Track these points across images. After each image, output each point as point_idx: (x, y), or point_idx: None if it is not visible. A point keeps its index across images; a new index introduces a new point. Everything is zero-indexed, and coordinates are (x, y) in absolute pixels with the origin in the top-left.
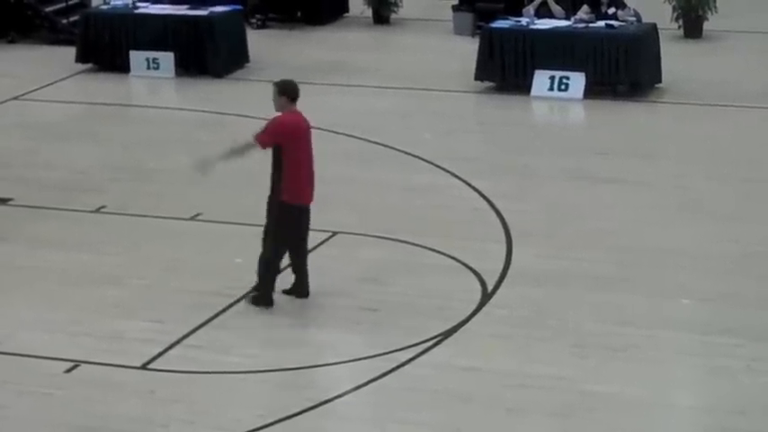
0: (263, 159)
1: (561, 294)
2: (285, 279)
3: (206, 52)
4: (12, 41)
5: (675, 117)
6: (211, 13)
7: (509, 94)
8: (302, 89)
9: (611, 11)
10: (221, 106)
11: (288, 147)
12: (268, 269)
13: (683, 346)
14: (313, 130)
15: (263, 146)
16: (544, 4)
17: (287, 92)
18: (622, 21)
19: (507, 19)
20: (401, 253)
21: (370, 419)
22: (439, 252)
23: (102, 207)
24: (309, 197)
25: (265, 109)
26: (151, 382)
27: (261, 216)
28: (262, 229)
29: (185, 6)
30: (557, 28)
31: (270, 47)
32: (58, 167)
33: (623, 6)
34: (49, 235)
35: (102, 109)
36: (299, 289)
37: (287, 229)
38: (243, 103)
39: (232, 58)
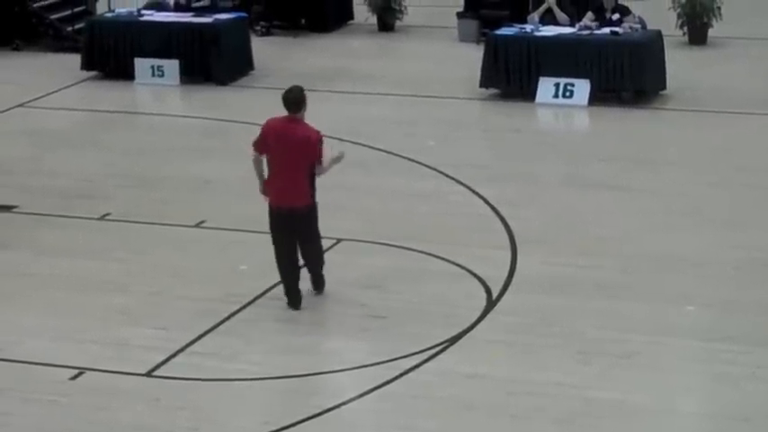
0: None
1: (566, 301)
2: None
3: (210, 60)
4: (16, 49)
5: (680, 124)
6: (216, 20)
7: (514, 101)
8: (307, 96)
9: (616, 17)
10: (226, 113)
11: (267, 149)
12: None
13: (687, 353)
14: None
15: (258, 152)
16: (549, 11)
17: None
18: (627, 28)
19: (512, 26)
20: (406, 260)
21: (374, 427)
22: (444, 259)
23: (107, 214)
24: (275, 199)
25: (270, 116)
26: (156, 390)
27: (265, 223)
28: (266, 235)
29: (190, 14)
30: (561, 35)
31: (274, 54)
32: (63, 175)
33: (627, 13)
34: (54, 242)
35: (107, 116)
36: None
37: (270, 228)
38: (247, 110)
39: (236, 65)
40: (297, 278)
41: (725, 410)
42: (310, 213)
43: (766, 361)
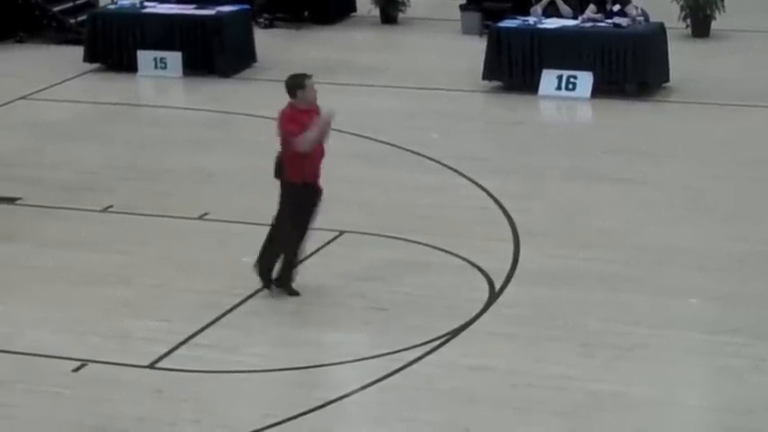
0: (269, 157)
1: (568, 293)
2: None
3: (213, 52)
4: (20, 41)
5: (683, 116)
6: (219, 12)
7: (517, 94)
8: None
9: (617, 8)
10: (229, 106)
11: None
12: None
13: (691, 346)
14: None
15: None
16: (552, 4)
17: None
18: (631, 19)
19: (515, 18)
20: (408, 252)
21: (377, 419)
22: (446, 251)
23: (110, 207)
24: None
25: (272, 108)
26: (158, 382)
27: (268, 215)
28: (268, 227)
29: (192, 6)
30: (564, 27)
31: (277, 46)
32: (66, 167)
33: (627, 2)
34: (57, 234)
35: (110, 109)
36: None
37: (306, 210)
38: (250, 102)
39: (239, 57)
40: None
41: (728, 403)
42: None
43: None
